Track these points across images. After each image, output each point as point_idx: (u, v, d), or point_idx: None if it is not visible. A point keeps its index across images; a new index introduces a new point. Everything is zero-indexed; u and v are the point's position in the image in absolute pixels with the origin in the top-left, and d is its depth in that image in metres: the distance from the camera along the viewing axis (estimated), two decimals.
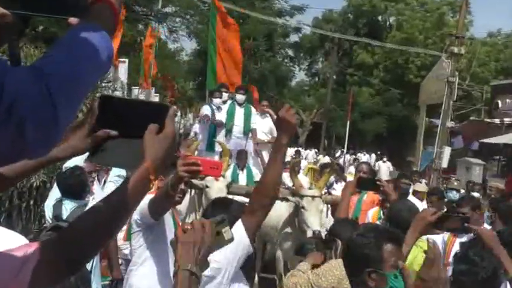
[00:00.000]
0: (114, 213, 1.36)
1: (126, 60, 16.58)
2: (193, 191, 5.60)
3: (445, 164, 21.71)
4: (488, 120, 23.31)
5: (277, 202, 5.26)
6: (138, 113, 1.44)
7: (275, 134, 9.36)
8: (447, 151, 22.22)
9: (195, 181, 5.20)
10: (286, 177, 9.14)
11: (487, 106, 29.07)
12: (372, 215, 6.53)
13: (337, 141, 35.45)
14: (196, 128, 10.09)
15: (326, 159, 22.31)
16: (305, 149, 30.63)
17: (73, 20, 1.26)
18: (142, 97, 16.67)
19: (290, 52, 42.88)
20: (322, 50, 43.75)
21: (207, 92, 13.04)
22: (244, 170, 8.34)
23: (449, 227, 2.98)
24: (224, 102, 9.68)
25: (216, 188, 5.29)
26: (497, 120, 22.25)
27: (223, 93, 9.85)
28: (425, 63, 34.99)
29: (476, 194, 10.52)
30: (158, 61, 20.59)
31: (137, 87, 17.70)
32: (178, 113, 22.60)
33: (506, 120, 21.78)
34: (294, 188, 5.37)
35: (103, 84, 9.84)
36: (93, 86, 1.27)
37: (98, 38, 1.20)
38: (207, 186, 5.30)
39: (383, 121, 37.27)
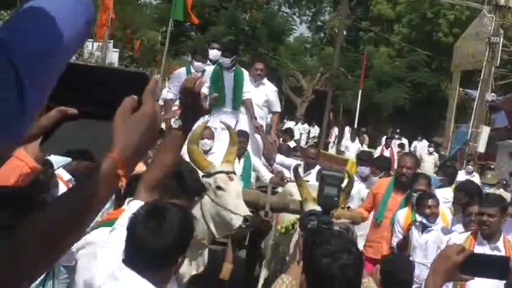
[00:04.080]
0: (67, 221, 1.31)
1: None
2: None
3: (482, 147, 21.87)
4: None
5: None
6: (107, 85, 1.39)
7: (274, 108, 9.56)
8: (485, 131, 22.36)
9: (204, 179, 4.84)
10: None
11: None
12: (405, 217, 6.81)
13: (346, 114, 35.52)
14: (165, 94, 10.00)
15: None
16: (303, 124, 30.67)
17: None
18: (96, 52, 16.54)
19: None
20: None
21: (170, 24, 12.72)
22: (242, 159, 7.98)
23: (482, 272, 2.66)
24: (213, 62, 9.30)
25: (234, 191, 4.87)
26: None
27: (215, 51, 9.50)
28: (461, 18, 34.95)
29: None
30: (117, 6, 20.38)
31: (91, 40, 17.54)
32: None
33: None
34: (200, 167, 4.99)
35: None
36: (69, 60, 1.25)
37: None
38: (219, 188, 4.83)
39: (404, 91, 37.32)
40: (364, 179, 8.85)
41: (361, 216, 7.09)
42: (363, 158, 9.36)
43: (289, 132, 17.17)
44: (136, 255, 2.59)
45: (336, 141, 26.92)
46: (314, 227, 3.29)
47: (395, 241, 6.86)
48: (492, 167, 20.38)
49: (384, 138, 23.80)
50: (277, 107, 9.66)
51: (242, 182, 5.34)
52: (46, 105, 1.37)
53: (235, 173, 5.01)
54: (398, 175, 7.34)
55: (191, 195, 3.65)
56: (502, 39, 23.14)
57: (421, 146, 24.19)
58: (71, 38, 1.16)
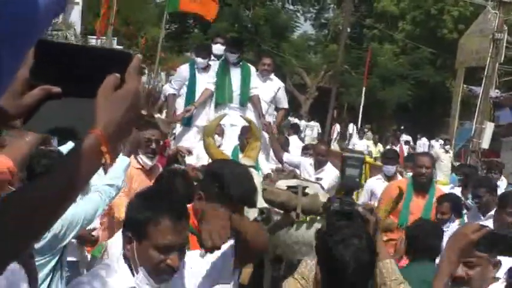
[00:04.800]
0: (51, 198, 1.31)
1: (80, 1, 16.42)
2: None
3: (486, 144, 21.84)
4: None
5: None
6: (90, 64, 1.38)
7: (281, 105, 9.39)
8: (489, 128, 22.32)
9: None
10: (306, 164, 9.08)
11: None
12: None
13: (349, 112, 35.49)
14: (167, 90, 10.00)
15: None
16: (308, 121, 30.66)
17: None
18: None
19: None
20: None
21: (165, 16, 12.54)
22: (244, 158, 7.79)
23: (499, 250, 2.72)
24: (218, 57, 9.04)
25: None
26: None
27: (219, 46, 9.20)
28: (465, 14, 34.91)
29: None
30: (120, 3, 20.41)
31: (94, 37, 17.57)
32: (146, 71, 22.51)
33: None
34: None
35: (50, 33, 9.76)
36: (45, 28, 1.23)
37: None
38: None
39: (408, 88, 37.31)
40: (391, 178, 8.45)
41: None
42: (389, 157, 8.94)
43: (295, 128, 17.18)
44: None
45: (338, 137, 26.89)
46: (337, 208, 3.25)
47: None
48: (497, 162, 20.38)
49: (392, 135, 23.70)
50: (285, 103, 9.48)
51: (261, 177, 5.01)
52: (29, 84, 1.37)
53: (254, 167, 4.74)
54: (417, 175, 7.06)
55: (236, 204, 3.04)
56: (506, 35, 23.07)
57: (438, 145, 24.05)
58: (48, 5, 1.13)
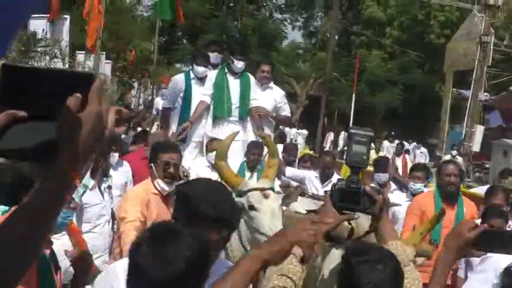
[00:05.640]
0: (30, 229, 1.35)
1: (68, 17, 16.37)
2: None
3: (476, 147, 21.90)
4: None
5: None
6: (53, 87, 1.39)
7: (284, 113, 8.54)
8: (479, 130, 22.40)
9: None
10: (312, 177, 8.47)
11: None
12: None
13: (340, 119, 35.53)
14: (159, 103, 9.78)
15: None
16: (298, 129, 30.66)
17: None
18: (90, 64, 16.53)
19: (280, 3, 42.81)
20: (321, 1, 43.67)
21: (158, 24, 12.31)
22: (255, 173, 7.04)
23: (495, 247, 2.75)
24: (214, 66, 8.39)
25: (269, 210, 4.21)
26: None
27: (216, 54, 8.61)
28: (452, 18, 35.07)
29: None
30: (108, 17, 20.37)
31: (83, 52, 17.53)
32: (136, 85, 22.49)
33: None
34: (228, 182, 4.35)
35: (38, 49, 9.73)
36: (24, 18, 1.25)
37: None
38: (252, 208, 4.16)
39: (398, 93, 37.41)
40: (382, 186, 8.06)
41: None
42: (381, 165, 8.62)
43: (282, 137, 17.07)
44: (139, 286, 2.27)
45: (332, 146, 26.90)
46: (342, 187, 3.00)
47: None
48: (487, 165, 20.46)
49: (395, 144, 23.39)
50: (287, 111, 8.68)
51: (279, 200, 4.53)
52: None
53: (273, 190, 4.32)
54: (446, 185, 6.61)
55: (211, 225, 2.83)
56: (493, 38, 23.21)
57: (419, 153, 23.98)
58: None
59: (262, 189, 4.22)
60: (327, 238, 3.24)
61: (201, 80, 8.09)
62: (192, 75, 8.17)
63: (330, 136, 28.24)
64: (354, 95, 29.83)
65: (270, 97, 8.26)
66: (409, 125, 35.07)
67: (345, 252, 2.69)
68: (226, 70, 8.04)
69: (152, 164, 5.04)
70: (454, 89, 27.48)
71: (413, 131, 30.93)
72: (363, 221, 3.55)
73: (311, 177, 8.45)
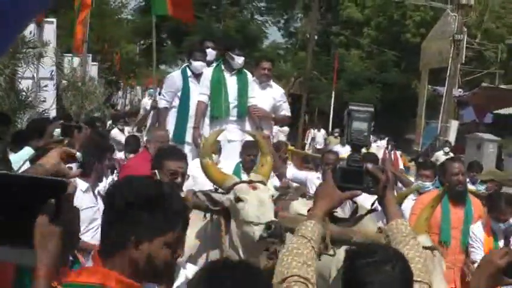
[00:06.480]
0: None
1: (54, 20, 16.25)
2: (200, 215, 4.10)
3: (451, 141, 22.04)
4: (504, 86, 23.65)
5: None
6: (26, 192, 1.41)
7: (282, 111, 7.97)
8: (454, 125, 22.56)
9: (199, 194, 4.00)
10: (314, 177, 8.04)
11: (503, 69, 29.47)
12: (484, 231, 5.95)
13: (320, 116, 35.58)
14: (146, 103, 9.56)
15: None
16: (280, 127, 30.63)
17: None
18: (76, 65, 16.42)
19: (261, 6, 42.75)
20: (301, 3, 43.69)
21: (153, 20, 11.85)
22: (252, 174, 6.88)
23: None
24: (209, 64, 7.80)
25: (256, 199, 3.91)
26: None
27: (210, 51, 8.04)
28: (426, 18, 35.18)
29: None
30: (95, 21, 20.30)
31: (70, 55, 17.40)
32: (122, 86, 22.39)
33: None
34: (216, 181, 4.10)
35: (25, 50, 9.62)
36: (25, 23, 1.24)
37: None
38: (238, 200, 3.88)
39: (375, 91, 37.47)
40: None
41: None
42: (371, 161, 7.80)
43: None
44: None
45: (310, 142, 26.94)
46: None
47: (472, 253, 5.97)
48: (462, 158, 20.47)
49: (385, 141, 23.22)
50: (287, 110, 8.14)
51: (273, 191, 4.18)
52: None
53: (264, 183, 4.01)
54: (455, 184, 6.08)
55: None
56: (465, 36, 23.34)
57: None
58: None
59: (249, 182, 3.99)
60: (331, 218, 3.19)
61: (198, 77, 7.60)
62: (188, 73, 7.68)
63: (311, 133, 28.24)
64: (333, 93, 29.94)
65: (269, 96, 7.77)
66: (387, 121, 35.21)
67: (347, 255, 2.44)
68: (222, 67, 7.52)
69: (156, 171, 4.36)
70: (430, 86, 27.62)
71: (391, 127, 31.00)
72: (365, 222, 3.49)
73: (313, 179, 8.07)
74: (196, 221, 4.06)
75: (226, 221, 3.97)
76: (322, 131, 27.74)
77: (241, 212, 3.83)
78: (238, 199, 3.86)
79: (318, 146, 25.51)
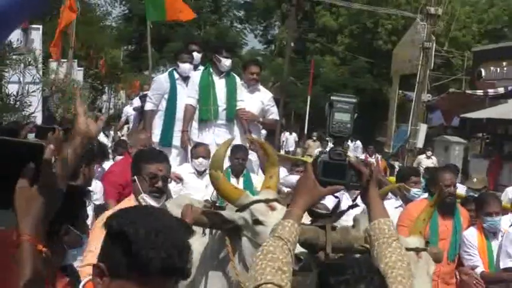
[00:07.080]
0: None
1: (40, 27, 16.38)
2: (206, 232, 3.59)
3: (420, 143, 22.40)
4: (470, 91, 24.09)
5: None
6: (4, 157, 1.39)
7: (271, 115, 7.59)
8: (423, 129, 22.91)
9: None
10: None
11: (469, 75, 30.00)
12: (478, 238, 5.77)
13: (296, 120, 35.88)
14: (128, 111, 9.19)
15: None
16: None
17: None
18: (62, 70, 16.54)
19: (240, 14, 42.96)
20: (278, 11, 43.98)
21: (148, 26, 11.48)
22: (241, 178, 6.53)
23: None
24: (195, 67, 7.56)
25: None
26: (480, 92, 22.99)
27: (195, 54, 7.75)
28: (397, 26, 35.66)
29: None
30: (79, 28, 20.43)
31: (55, 60, 17.53)
32: (106, 89, 22.49)
33: (491, 91, 22.49)
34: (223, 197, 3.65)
35: (13, 56, 9.74)
36: (22, 19, 1.27)
37: None
38: (257, 223, 3.36)
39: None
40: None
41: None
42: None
43: None
44: None
45: (283, 144, 27.18)
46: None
47: (469, 260, 5.76)
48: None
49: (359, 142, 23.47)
50: (275, 115, 7.77)
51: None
52: None
53: (278, 201, 3.47)
54: (445, 196, 5.67)
55: (155, 278, 1.76)
56: (434, 44, 23.78)
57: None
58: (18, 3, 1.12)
59: (266, 201, 3.48)
60: (310, 214, 3.04)
61: (185, 79, 7.32)
62: (176, 76, 7.37)
63: (285, 135, 28.51)
64: (309, 98, 30.25)
65: (257, 99, 7.43)
66: (359, 124, 35.53)
67: (320, 272, 2.15)
68: (211, 70, 7.24)
69: (136, 177, 3.99)
70: (400, 91, 28.05)
71: (363, 130, 31.33)
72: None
73: None
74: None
75: (231, 238, 3.48)
76: (294, 134, 28.06)
77: (261, 235, 3.31)
78: (257, 221, 3.38)
79: (290, 149, 25.73)
